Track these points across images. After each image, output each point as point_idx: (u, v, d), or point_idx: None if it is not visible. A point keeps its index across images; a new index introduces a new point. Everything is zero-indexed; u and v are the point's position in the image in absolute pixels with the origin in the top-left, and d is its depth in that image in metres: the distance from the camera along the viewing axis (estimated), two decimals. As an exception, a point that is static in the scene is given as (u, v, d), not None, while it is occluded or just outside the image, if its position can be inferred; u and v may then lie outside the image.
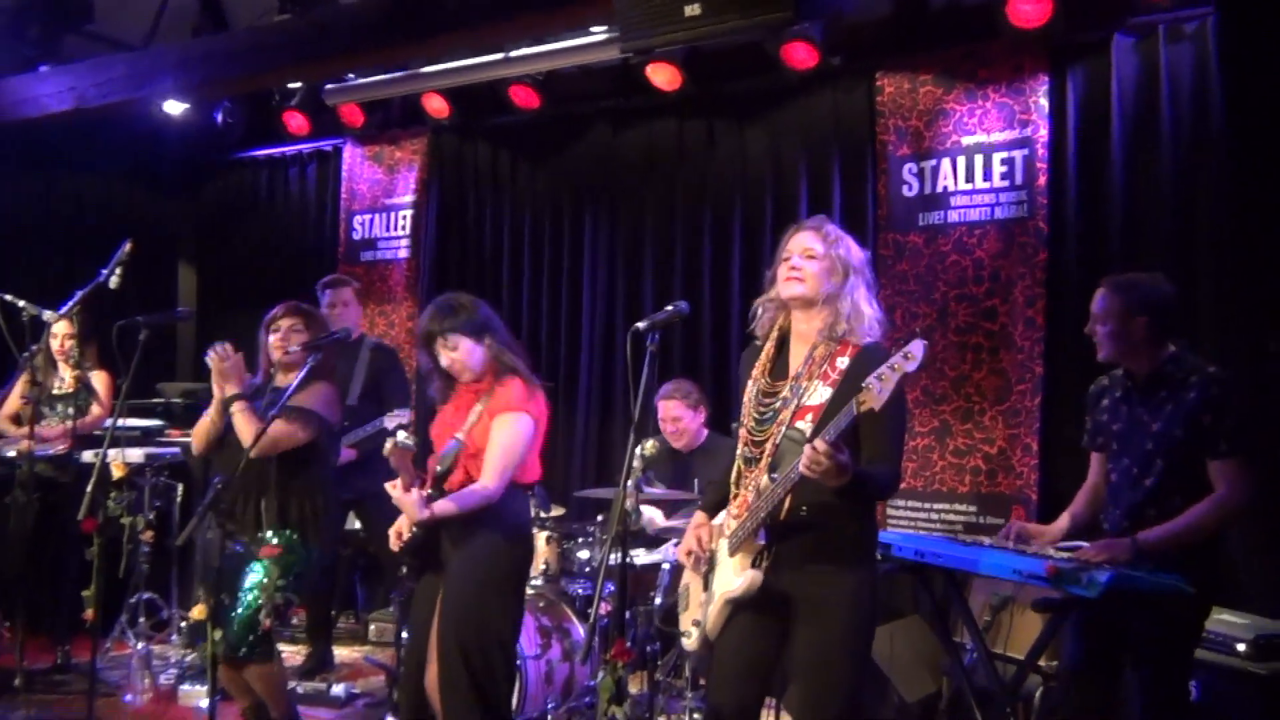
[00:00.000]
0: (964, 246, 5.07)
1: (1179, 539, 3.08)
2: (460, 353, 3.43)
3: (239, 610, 3.58)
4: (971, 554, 3.29)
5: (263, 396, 3.83)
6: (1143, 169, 4.70)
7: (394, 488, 3.29)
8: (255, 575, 3.62)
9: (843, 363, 2.75)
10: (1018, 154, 4.97)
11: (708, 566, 2.94)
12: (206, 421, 3.81)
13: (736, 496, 2.87)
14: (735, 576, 2.79)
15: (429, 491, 3.34)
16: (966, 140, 5.12)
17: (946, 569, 3.39)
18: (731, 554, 2.83)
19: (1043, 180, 4.88)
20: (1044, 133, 4.90)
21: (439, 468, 3.37)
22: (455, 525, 3.33)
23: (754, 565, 2.77)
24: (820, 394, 2.74)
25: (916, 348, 2.46)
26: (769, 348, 2.93)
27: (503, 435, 3.34)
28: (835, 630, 2.72)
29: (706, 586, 2.94)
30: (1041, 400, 4.81)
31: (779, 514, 2.73)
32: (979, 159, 5.07)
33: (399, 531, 3.41)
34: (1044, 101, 4.91)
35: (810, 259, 2.81)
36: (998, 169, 5.02)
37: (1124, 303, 3.22)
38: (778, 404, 2.81)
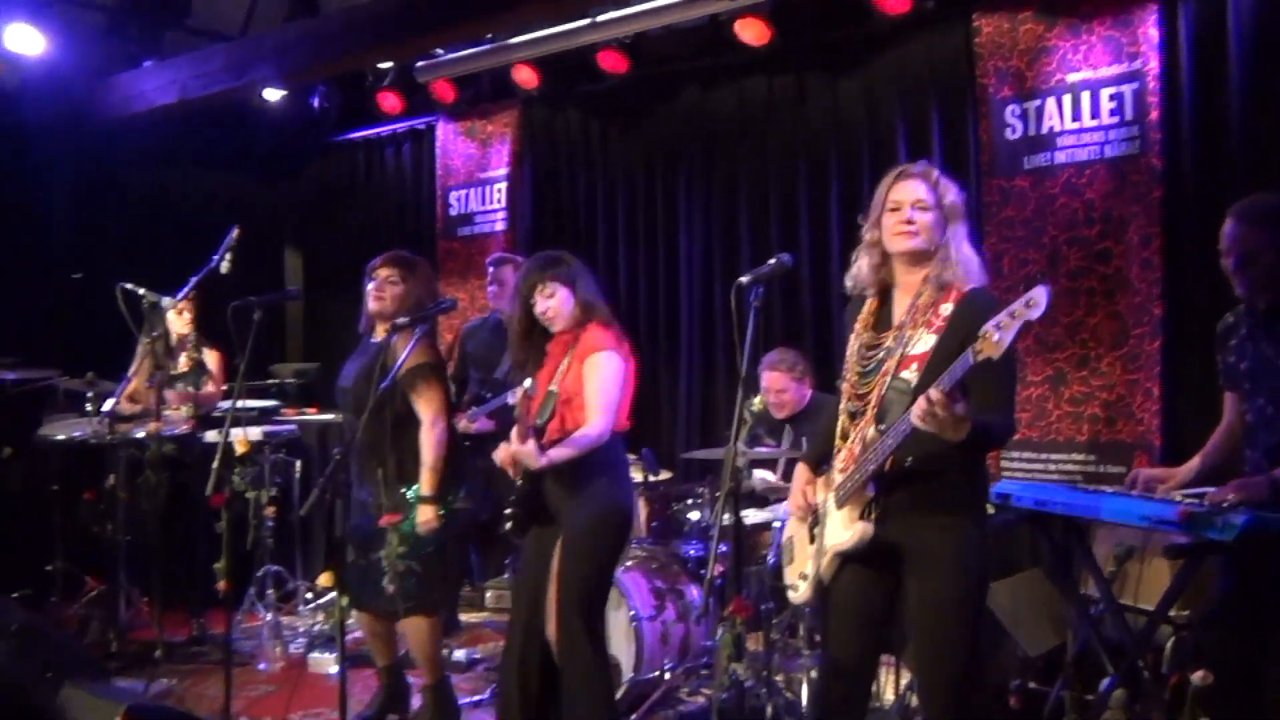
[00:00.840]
0: (1073, 188, 4.90)
1: None
2: (556, 300, 3.48)
3: (382, 564, 3.69)
4: (1095, 500, 3.20)
5: (364, 354, 3.91)
6: (1264, 97, 4.45)
7: (508, 443, 3.34)
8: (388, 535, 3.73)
9: (947, 309, 2.68)
10: (1127, 89, 4.77)
11: (814, 520, 2.91)
12: None
13: (841, 450, 2.82)
14: (845, 529, 2.76)
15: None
16: (1072, 77, 4.92)
17: (1068, 518, 3.29)
18: (839, 506, 2.79)
19: (1155, 115, 4.67)
20: (1155, 65, 4.68)
21: (538, 420, 3.42)
22: (564, 474, 3.37)
23: (863, 517, 2.73)
24: (925, 342, 2.68)
25: (1040, 293, 2.34)
26: (872, 301, 2.88)
27: (596, 375, 3.38)
28: (947, 584, 2.67)
29: (813, 539, 2.91)
30: (1162, 343, 4.63)
31: (887, 465, 2.68)
32: (1086, 96, 4.88)
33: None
34: (1154, 32, 4.69)
35: (923, 210, 2.74)
36: (1106, 105, 4.82)
37: (1263, 235, 3.04)
38: (881, 354, 2.76)
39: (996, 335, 2.35)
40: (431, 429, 3.79)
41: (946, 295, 2.70)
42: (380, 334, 3.97)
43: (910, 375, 2.66)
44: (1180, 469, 3.37)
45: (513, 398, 3.59)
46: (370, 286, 3.97)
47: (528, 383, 3.29)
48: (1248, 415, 3.20)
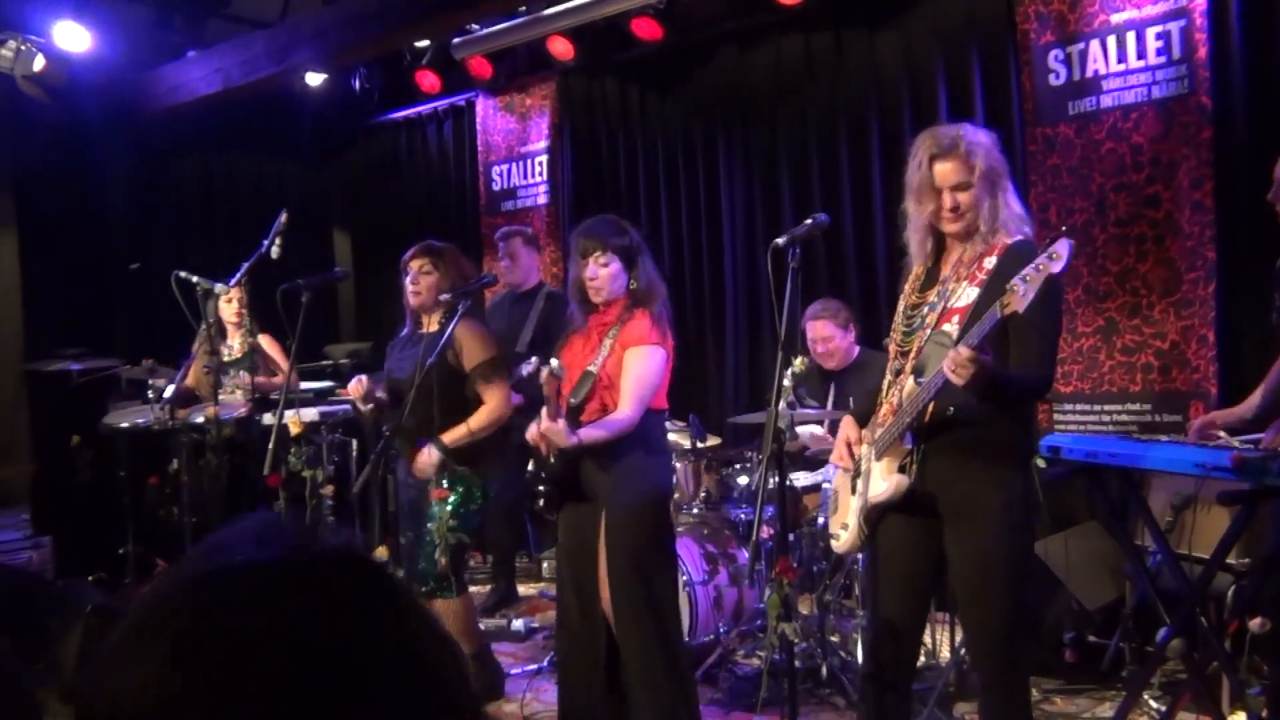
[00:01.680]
0: (1119, 133, 4.79)
1: None
2: (608, 272, 3.45)
3: (424, 548, 3.76)
4: (1146, 449, 3.15)
5: (416, 345, 3.96)
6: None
7: (537, 422, 3.35)
8: (432, 514, 3.79)
9: (990, 262, 2.67)
10: (1173, 26, 4.64)
11: (855, 471, 2.92)
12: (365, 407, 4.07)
13: (883, 405, 2.83)
14: (883, 480, 2.77)
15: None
16: (1115, 18, 4.80)
17: (1122, 468, 3.25)
18: (878, 458, 2.79)
19: (1203, 53, 4.54)
20: (1201, 0, 4.55)
21: (573, 399, 3.42)
22: (600, 452, 3.39)
23: (901, 470, 2.73)
24: (968, 295, 2.67)
25: (1062, 246, 2.35)
26: (919, 268, 2.88)
27: (639, 366, 3.37)
28: (992, 540, 2.66)
29: (855, 491, 2.92)
30: (1216, 287, 4.53)
31: (924, 416, 2.67)
32: (1130, 37, 4.76)
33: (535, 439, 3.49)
34: (1200, -34, 4.55)
35: (965, 190, 2.70)
36: (1152, 45, 4.70)
37: None
38: (925, 310, 2.76)
39: (1021, 289, 2.37)
40: (491, 413, 3.86)
41: (990, 249, 2.69)
42: (430, 326, 4.01)
43: (952, 328, 2.66)
44: (1239, 406, 3.31)
45: (528, 368, 3.57)
46: (406, 281, 4.01)
47: (554, 363, 3.28)
48: None
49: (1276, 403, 3.26)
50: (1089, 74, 4.88)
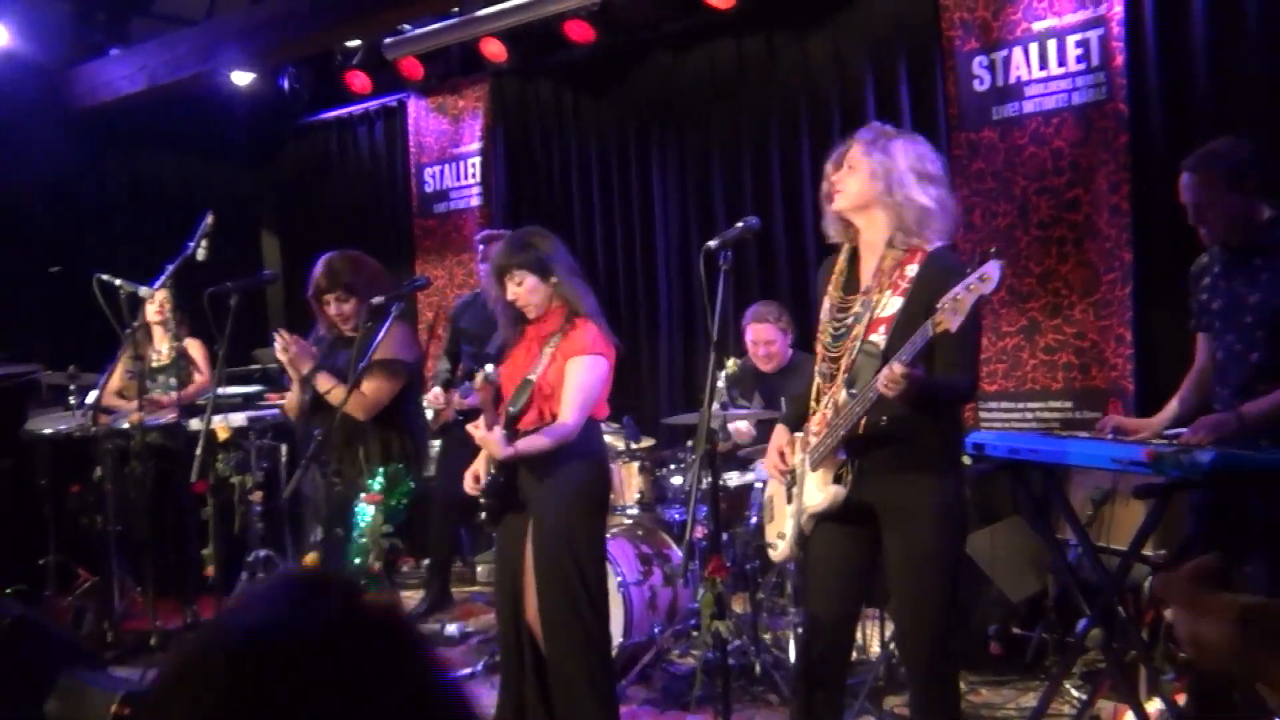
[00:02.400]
0: (1041, 137, 4.92)
1: None
2: (524, 289, 3.45)
3: (351, 550, 3.72)
4: (1065, 446, 3.24)
5: (338, 351, 3.92)
6: (1228, 37, 4.47)
7: (476, 428, 3.33)
8: (364, 517, 3.76)
9: (912, 270, 2.71)
10: (1092, 35, 4.78)
11: (791, 480, 2.95)
12: (293, 398, 3.94)
13: (815, 412, 2.86)
14: (818, 491, 2.81)
15: (504, 432, 3.38)
16: (1037, 26, 4.93)
17: (1043, 464, 3.34)
18: (814, 469, 2.83)
19: (1120, 60, 4.68)
20: (1119, 9, 4.69)
21: (511, 408, 3.42)
22: (537, 461, 3.38)
23: (836, 480, 2.78)
24: (892, 305, 2.71)
25: (992, 269, 2.42)
26: (840, 261, 2.91)
27: (580, 376, 3.36)
28: (926, 539, 2.72)
29: (791, 499, 2.95)
30: (1133, 288, 4.67)
31: (858, 428, 2.72)
32: (1051, 44, 4.89)
33: (475, 474, 3.48)
34: (1117, -24, 4.70)
35: (849, 170, 2.78)
36: (1072, 53, 4.83)
37: (1211, 182, 3.08)
38: (849, 319, 2.80)
39: (951, 309, 2.44)
40: (355, 407, 3.72)
41: (911, 256, 2.73)
42: (352, 331, 3.96)
43: (879, 338, 2.70)
44: (1155, 418, 3.42)
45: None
46: (328, 311, 3.93)
47: (489, 369, 3.27)
48: (1219, 353, 3.24)
49: (1193, 411, 3.37)
50: (1012, 80, 5.01)
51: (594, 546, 3.46)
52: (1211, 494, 3.13)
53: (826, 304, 2.90)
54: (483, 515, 3.49)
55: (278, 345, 3.80)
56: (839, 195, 2.80)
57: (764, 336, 4.80)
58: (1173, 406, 3.41)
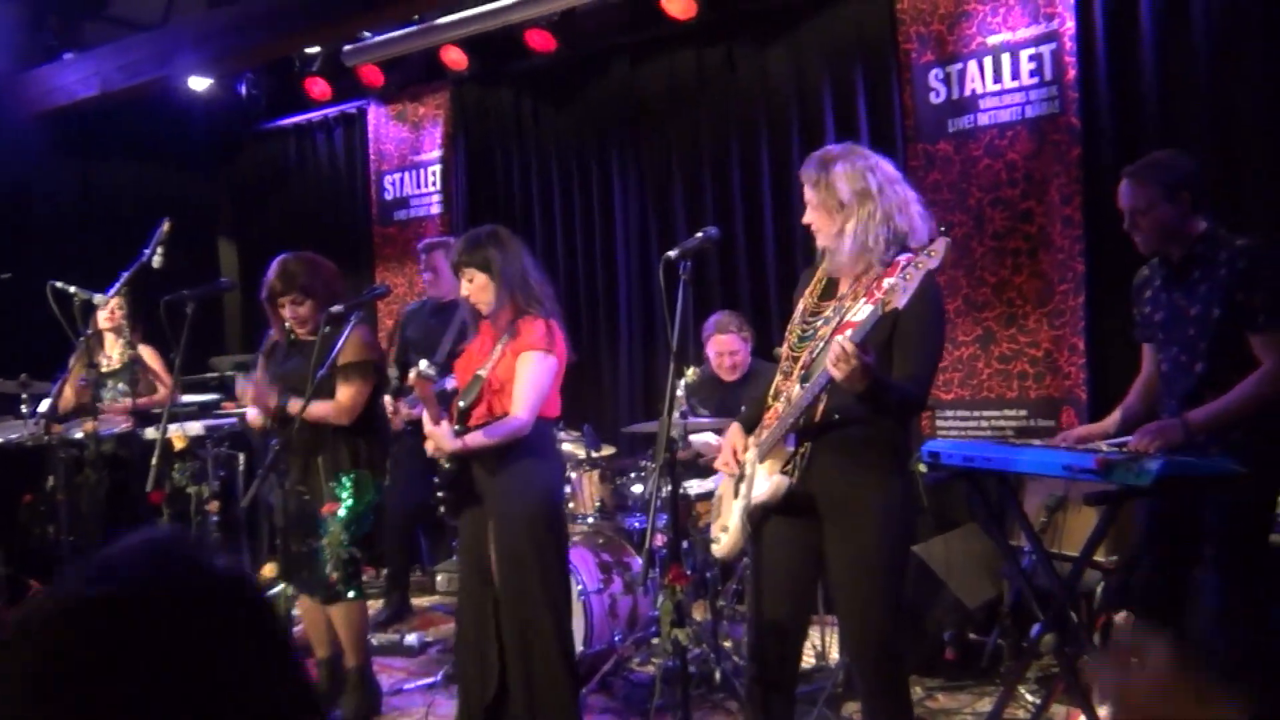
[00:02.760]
0: (995, 150, 5.00)
1: (1228, 415, 3.05)
2: (475, 286, 3.48)
3: (317, 560, 3.70)
4: (1019, 454, 3.28)
5: (300, 354, 3.90)
6: (1176, 53, 4.57)
7: (425, 421, 3.34)
8: (326, 527, 3.74)
9: (888, 283, 2.74)
10: (1045, 49, 4.86)
11: (740, 475, 2.97)
12: (256, 416, 3.96)
13: (770, 408, 2.90)
14: (765, 481, 2.83)
15: (454, 428, 3.40)
16: (991, 40, 5.01)
17: (998, 472, 3.39)
18: (761, 460, 2.86)
19: (1072, 74, 4.78)
20: (1070, 25, 4.78)
21: (462, 403, 3.44)
22: (491, 457, 3.40)
23: (783, 471, 2.80)
24: (863, 311, 2.73)
25: (939, 244, 2.47)
26: (821, 270, 2.96)
27: (529, 371, 3.39)
28: (868, 537, 2.74)
29: (738, 494, 2.98)
30: (1085, 299, 4.75)
31: (811, 418, 2.74)
32: (1005, 58, 4.97)
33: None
34: (1069, -8, 4.79)
35: (810, 209, 2.84)
36: (1025, 67, 4.92)
37: (1149, 190, 3.17)
38: (819, 323, 2.84)
39: (902, 286, 2.46)
40: (334, 407, 3.76)
41: (891, 270, 2.76)
42: (304, 335, 3.95)
43: (844, 340, 2.73)
44: (1102, 423, 3.48)
45: (451, 383, 3.59)
46: (282, 312, 3.92)
47: (423, 364, 3.28)
48: (1163, 365, 3.31)
49: (1139, 419, 3.44)
50: (967, 93, 5.09)
51: (552, 541, 3.47)
52: (1160, 501, 3.20)
53: (800, 308, 2.94)
54: (441, 509, 3.51)
55: (240, 393, 3.79)
56: (816, 234, 2.86)
57: (728, 347, 4.84)
58: (1116, 415, 3.48)
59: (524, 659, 3.44)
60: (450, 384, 3.59)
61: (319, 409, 3.72)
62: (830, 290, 2.90)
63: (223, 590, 0.79)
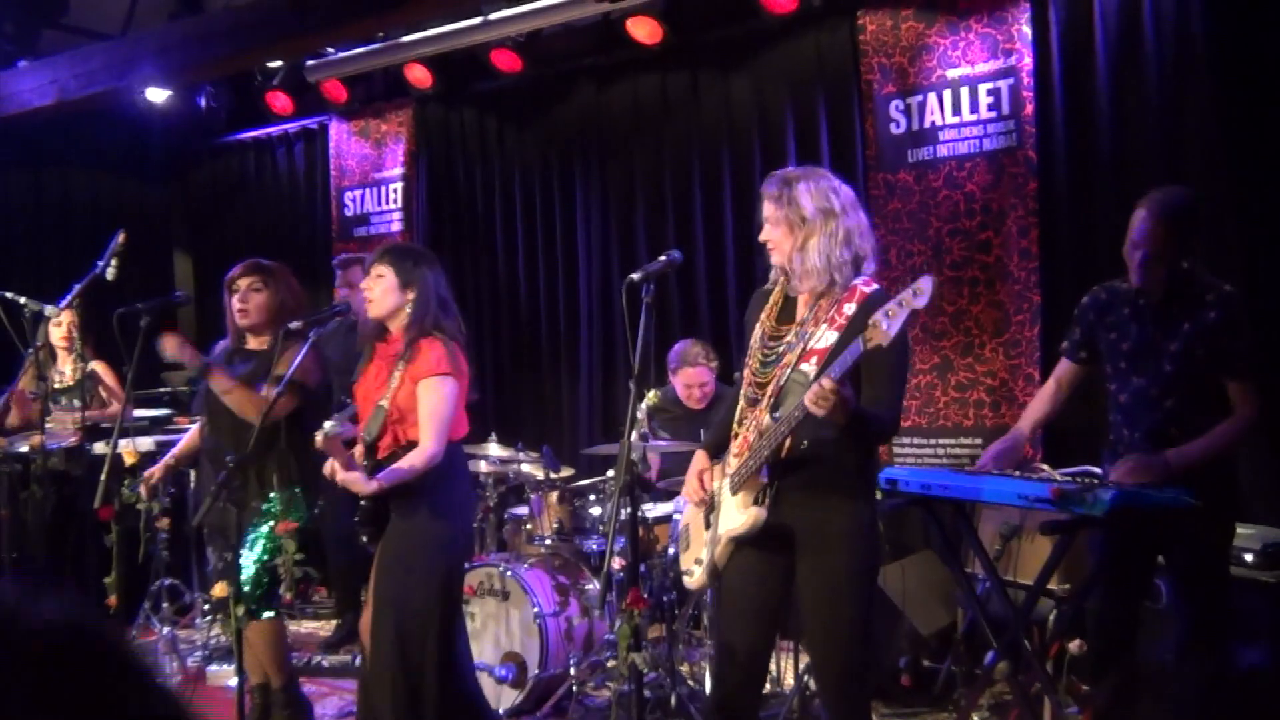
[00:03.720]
0: (954, 181, 5.07)
1: (1208, 457, 3.11)
2: (380, 284, 3.40)
3: (242, 568, 3.62)
4: (976, 483, 3.32)
5: (235, 362, 3.85)
6: (1129, 91, 4.67)
7: (333, 471, 3.24)
8: (258, 536, 3.68)
9: (849, 309, 2.76)
10: (1003, 84, 4.95)
11: (709, 506, 2.97)
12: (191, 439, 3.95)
13: (737, 436, 2.90)
14: (739, 514, 2.83)
15: (364, 464, 3.32)
16: (951, 73, 5.09)
17: (954, 500, 3.42)
18: (734, 492, 2.86)
19: (1029, 109, 4.86)
20: (1028, 61, 4.87)
21: (366, 437, 3.37)
22: (398, 497, 3.32)
23: (756, 503, 2.80)
24: (826, 338, 2.75)
25: (925, 283, 2.46)
26: (776, 294, 2.95)
27: (432, 398, 3.31)
28: (840, 564, 2.75)
29: (709, 525, 2.97)
30: (1040, 329, 4.82)
31: (780, 451, 2.75)
32: (965, 91, 5.05)
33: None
34: (1027, 29, 4.88)
35: (770, 225, 2.85)
36: (984, 100, 5.00)
37: (1168, 229, 3.13)
38: (782, 348, 2.84)
39: (885, 324, 2.46)
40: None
41: (850, 295, 2.78)
42: (255, 344, 3.90)
43: (809, 368, 2.74)
44: (1010, 436, 3.49)
45: (349, 430, 3.49)
46: (235, 300, 3.88)
47: (326, 425, 3.17)
48: (1122, 395, 3.34)
49: (1043, 425, 3.53)
50: (927, 125, 5.16)
51: (437, 570, 3.36)
52: (1114, 531, 3.24)
53: (758, 332, 2.94)
54: (364, 539, 3.45)
55: (166, 343, 3.71)
56: (772, 252, 2.86)
57: (698, 379, 4.86)
58: (1025, 428, 3.52)
59: (376, 690, 3.36)
60: (349, 431, 3.51)
61: (240, 395, 3.66)
62: (788, 312, 2.90)
63: (52, 640, 0.75)
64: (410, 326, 3.39)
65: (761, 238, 2.88)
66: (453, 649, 3.44)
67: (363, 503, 3.34)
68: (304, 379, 3.74)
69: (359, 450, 3.39)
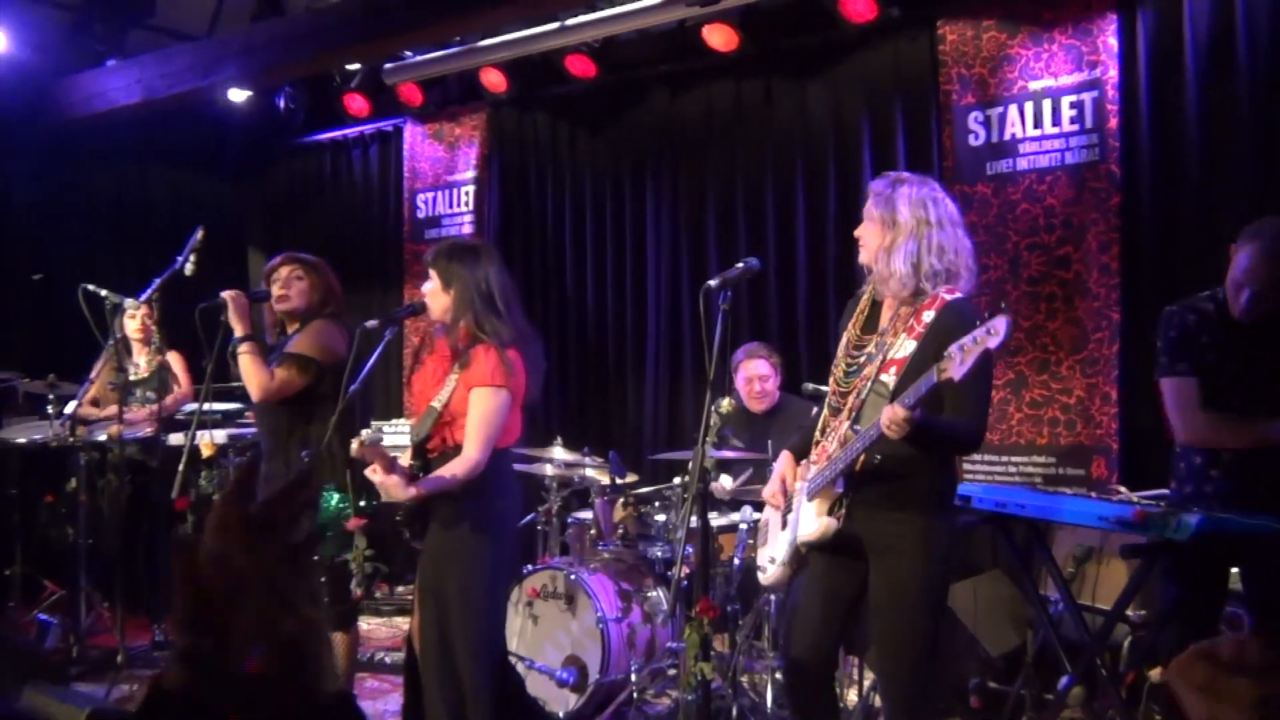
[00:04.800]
0: (1034, 194, 4.98)
1: None
2: (430, 288, 3.41)
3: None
4: (1054, 502, 3.25)
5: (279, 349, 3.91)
6: (1220, 107, 4.56)
7: (373, 473, 3.23)
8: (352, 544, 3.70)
9: (928, 316, 2.76)
10: (1087, 97, 4.85)
11: (787, 506, 3.00)
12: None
13: (818, 444, 2.92)
14: (813, 521, 2.86)
15: (412, 463, 3.32)
16: (1033, 85, 5.01)
17: (1029, 519, 3.35)
18: (810, 499, 2.88)
19: (1114, 123, 4.76)
20: (1114, 74, 4.78)
21: (416, 436, 3.36)
22: (440, 499, 3.30)
23: (830, 513, 2.83)
24: (906, 347, 2.76)
25: (1001, 324, 2.44)
26: (863, 302, 2.97)
27: (481, 408, 3.28)
28: (910, 573, 2.75)
29: (785, 525, 3.00)
30: (1120, 347, 4.72)
31: (856, 464, 2.77)
32: (1047, 104, 4.97)
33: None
34: (1113, 41, 4.78)
35: (866, 222, 2.86)
36: (1067, 113, 4.91)
37: (1272, 262, 3.04)
38: (862, 358, 2.86)
39: (958, 359, 2.47)
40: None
41: (930, 303, 2.77)
42: (291, 330, 3.94)
43: (889, 379, 2.75)
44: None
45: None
46: (275, 288, 3.92)
47: (365, 433, 3.16)
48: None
49: None
50: (1007, 137, 5.08)
51: (481, 578, 3.32)
52: (1195, 557, 3.14)
53: (844, 340, 2.97)
54: (408, 536, 3.45)
55: (227, 294, 3.78)
56: (861, 249, 2.88)
57: (758, 372, 4.83)
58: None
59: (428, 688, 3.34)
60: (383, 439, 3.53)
61: (247, 362, 3.76)
62: (873, 321, 2.92)
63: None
64: (453, 328, 3.38)
65: (856, 233, 2.89)
66: (500, 647, 3.45)
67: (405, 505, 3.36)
68: (321, 357, 3.76)
69: (407, 452, 3.40)
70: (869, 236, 2.84)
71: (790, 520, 2.96)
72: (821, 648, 2.91)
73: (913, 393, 2.57)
